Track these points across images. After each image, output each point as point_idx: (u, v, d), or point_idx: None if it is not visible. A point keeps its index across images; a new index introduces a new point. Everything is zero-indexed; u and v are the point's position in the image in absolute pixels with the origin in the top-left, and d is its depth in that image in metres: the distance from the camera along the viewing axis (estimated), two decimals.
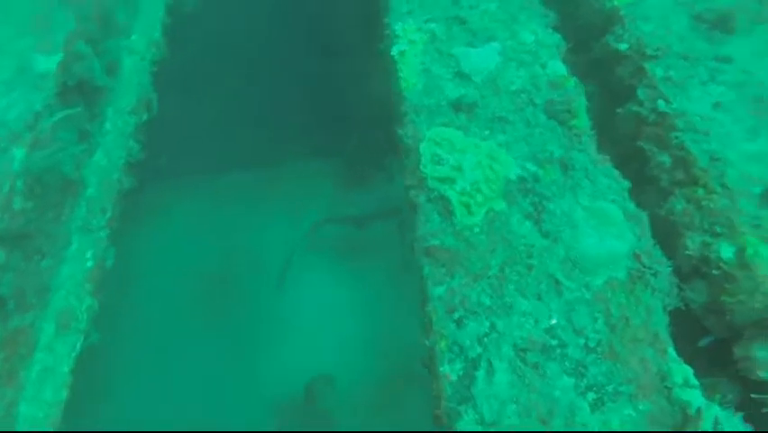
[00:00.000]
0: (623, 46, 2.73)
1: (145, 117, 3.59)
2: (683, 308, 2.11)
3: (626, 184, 2.36)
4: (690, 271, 2.15)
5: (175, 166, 5.28)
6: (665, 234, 2.25)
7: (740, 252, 2.00)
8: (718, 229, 2.12)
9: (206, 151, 5.69)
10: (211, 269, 5.64)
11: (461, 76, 2.75)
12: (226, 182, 6.15)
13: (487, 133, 2.53)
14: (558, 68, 2.78)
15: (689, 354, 2.09)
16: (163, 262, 5.63)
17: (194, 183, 6.12)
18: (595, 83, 2.87)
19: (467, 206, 2.24)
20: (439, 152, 2.41)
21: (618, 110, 2.68)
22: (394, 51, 2.88)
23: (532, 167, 2.40)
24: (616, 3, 2.90)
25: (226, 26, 5.10)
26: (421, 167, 2.41)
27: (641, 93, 2.58)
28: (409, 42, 2.90)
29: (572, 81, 2.71)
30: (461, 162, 2.34)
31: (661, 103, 2.48)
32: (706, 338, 2.09)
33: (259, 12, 5.31)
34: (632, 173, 2.50)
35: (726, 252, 2.03)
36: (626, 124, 2.61)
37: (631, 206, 2.29)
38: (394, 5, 3.12)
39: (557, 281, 2.08)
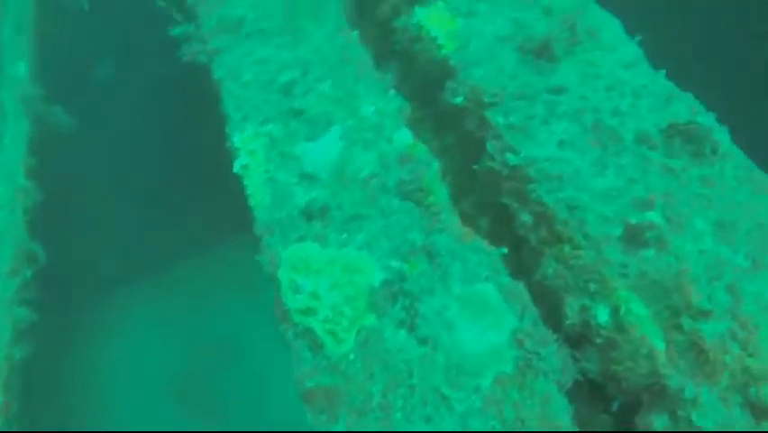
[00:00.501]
0: (458, 100, 2.62)
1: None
2: (582, 378, 1.99)
3: (498, 253, 2.23)
4: (579, 337, 2.04)
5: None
6: (547, 302, 2.13)
7: (615, 312, 1.89)
8: (592, 287, 2.02)
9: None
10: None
11: (307, 177, 2.59)
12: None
13: (344, 236, 2.37)
14: (404, 137, 2.64)
15: (602, 423, 1.97)
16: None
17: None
18: (452, 134, 2.75)
19: (333, 334, 2.08)
20: (296, 278, 2.24)
21: (475, 166, 2.56)
22: (237, 167, 2.70)
23: (396, 264, 2.25)
24: (445, 51, 2.79)
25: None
26: (283, 298, 2.23)
27: (490, 146, 2.47)
28: (250, 154, 2.73)
29: (421, 150, 2.58)
30: (317, 287, 2.17)
31: (510, 156, 2.37)
32: (614, 403, 1.97)
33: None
34: (504, 233, 2.38)
35: (603, 315, 1.92)
36: (486, 181, 2.49)
37: (506, 279, 2.15)
38: (230, 113, 2.93)
39: (444, 397, 1.93)
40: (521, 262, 2.28)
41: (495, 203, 2.41)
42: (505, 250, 2.22)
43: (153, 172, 5.58)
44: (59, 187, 4.11)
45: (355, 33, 3.18)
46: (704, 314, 1.86)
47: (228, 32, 3.27)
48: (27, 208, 3.64)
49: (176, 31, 3.34)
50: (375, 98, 2.83)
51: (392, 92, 2.87)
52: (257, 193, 2.61)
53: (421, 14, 2.95)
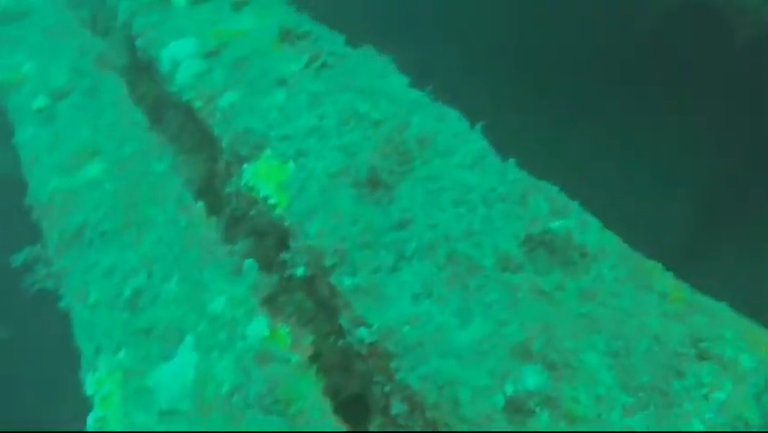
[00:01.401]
0: (300, 271, 2.27)
1: None
2: None
3: None
4: None
5: None
6: None
7: None
8: None
9: None
10: None
11: (167, 414, 2.23)
12: None
13: None
14: (259, 328, 2.30)
15: None
16: None
17: None
18: (309, 308, 2.39)
19: None
20: None
21: (340, 342, 2.19)
22: (91, 423, 2.36)
23: None
24: (278, 211, 2.46)
25: None
26: None
27: (342, 321, 2.10)
28: (104, 400, 2.39)
29: (281, 338, 2.24)
30: None
31: (362, 331, 2.00)
32: None
33: None
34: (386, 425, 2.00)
35: None
36: (349, 363, 2.12)
37: None
38: (82, 348, 2.61)
39: None
40: None
41: (368, 391, 2.03)
42: None
43: None
44: None
45: (200, 204, 2.88)
46: None
47: (71, 245, 2.98)
48: None
49: (18, 259, 3.05)
50: (224, 285, 2.50)
51: (247, 263, 2.55)
52: None
53: (249, 172, 2.63)
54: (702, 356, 1.64)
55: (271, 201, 2.51)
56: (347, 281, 2.13)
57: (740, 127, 4.51)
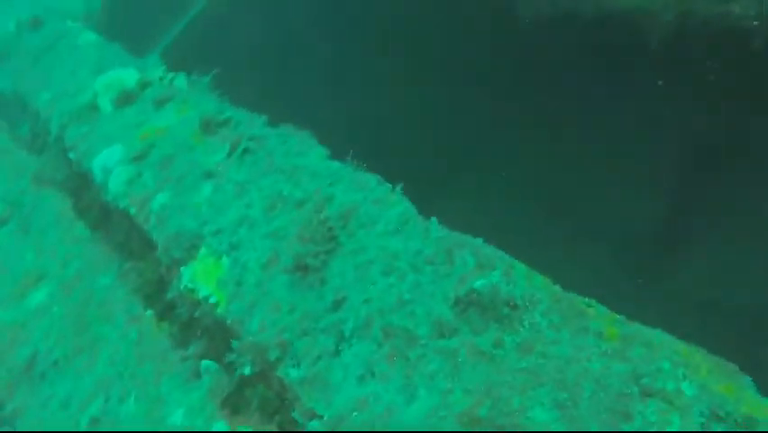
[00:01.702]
0: (247, 370, 2.22)
1: None
2: None
3: None
4: None
5: None
6: None
7: None
8: None
9: None
10: None
11: None
12: None
13: None
14: None
15: None
16: None
17: None
18: (265, 408, 2.34)
19: None
20: None
21: None
22: None
23: None
24: (220, 310, 2.42)
25: None
26: None
27: (296, 414, 2.05)
28: None
29: None
30: None
31: (314, 424, 1.95)
32: None
33: None
34: None
35: None
36: None
37: None
38: None
39: None
40: None
41: None
42: None
43: None
44: None
45: (149, 313, 2.84)
46: None
47: (22, 381, 2.91)
48: None
49: None
50: (181, 395, 2.44)
51: (203, 365, 2.50)
52: None
53: (187, 275, 2.60)
54: (646, 393, 1.60)
55: (212, 300, 2.48)
56: (293, 374, 2.08)
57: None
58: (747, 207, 4.34)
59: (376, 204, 2.34)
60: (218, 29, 5.43)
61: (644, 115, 4.60)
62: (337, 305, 2.15)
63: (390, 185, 2.42)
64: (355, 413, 1.89)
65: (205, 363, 2.52)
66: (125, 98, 3.55)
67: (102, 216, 3.48)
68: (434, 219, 2.20)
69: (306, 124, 2.86)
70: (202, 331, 2.60)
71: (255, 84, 5.20)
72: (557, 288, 1.90)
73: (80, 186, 3.76)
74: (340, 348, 2.06)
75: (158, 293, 3.00)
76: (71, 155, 3.69)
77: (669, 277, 4.55)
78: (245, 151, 2.87)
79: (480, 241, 2.07)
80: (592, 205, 4.81)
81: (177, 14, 5.29)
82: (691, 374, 1.60)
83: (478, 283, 1.85)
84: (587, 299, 1.85)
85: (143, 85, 3.59)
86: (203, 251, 2.65)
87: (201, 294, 2.52)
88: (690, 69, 3.68)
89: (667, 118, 4.45)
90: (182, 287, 2.61)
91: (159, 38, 5.04)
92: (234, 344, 2.27)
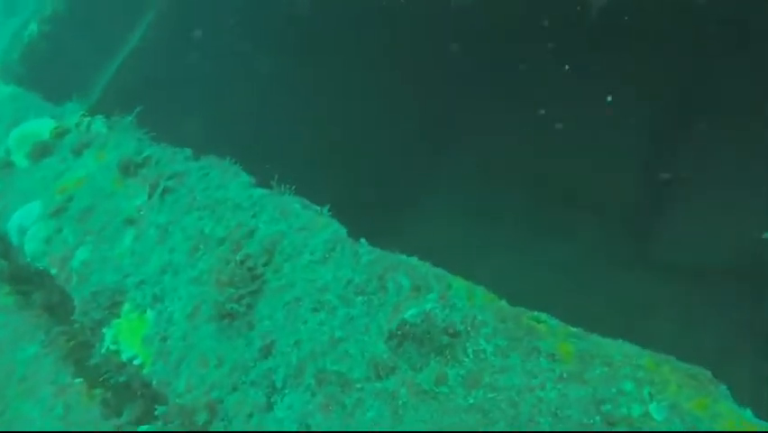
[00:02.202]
0: None
1: None
2: None
3: None
4: None
5: None
6: None
7: None
8: None
9: None
10: None
11: None
12: None
13: None
14: None
15: None
16: None
17: None
18: None
19: None
20: None
21: None
22: None
23: None
24: (146, 371, 2.17)
25: None
26: None
27: None
28: None
29: None
30: None
31: None
32: None
33: None
34: None
35: None
36: None
37: None
38: None
39: None
40: None
41: None
42: None
43: None
44: None
45: (79, 380, 2.57)
46: None
47: None
48: None
49: None
50: None
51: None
52: None
53: (110, 335, 2.35)
54: (609, 422, 1.37)
55: (137, 361, 2.22)
56: None
57: None
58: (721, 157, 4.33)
59: (301, 232, 2.10)
60: (153, 64, 5.19)
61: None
62: (267, 351, 1.90)
63: (318, 207, 2.19)
64: None
65: (143, 428, 2.26)
66: (41, 150, 3.29)
67: (24, 279, 3.20)
68: (363, 241, 1.97)
69: (243, 150, 2.65)
70: (134, 395, 2.34)
71: (195, 114, 4.98)
72: (503, 303, 1.67)
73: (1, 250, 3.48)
74: (272, 401, 1.82)
75: (89, 358, 2.74)
76: None
77: (655, 240, 4.54)
78: (165, 190, 2.62)
79: (414, 260, 1.83)
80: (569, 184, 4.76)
81: (107, 55, 5.05)
82: (659, 393, 1.37)
83: (409, 314, 1.62)
84: (536, 313, 1.62)
85: (60, 134, 3.33)
86: (126, 306, 2.39)
87: (125, 356, 2.26)
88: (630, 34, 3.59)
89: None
90: (104, 350, 2.34)
91: (87, 81, 4.79)
92: (159, 410, 2.01)
